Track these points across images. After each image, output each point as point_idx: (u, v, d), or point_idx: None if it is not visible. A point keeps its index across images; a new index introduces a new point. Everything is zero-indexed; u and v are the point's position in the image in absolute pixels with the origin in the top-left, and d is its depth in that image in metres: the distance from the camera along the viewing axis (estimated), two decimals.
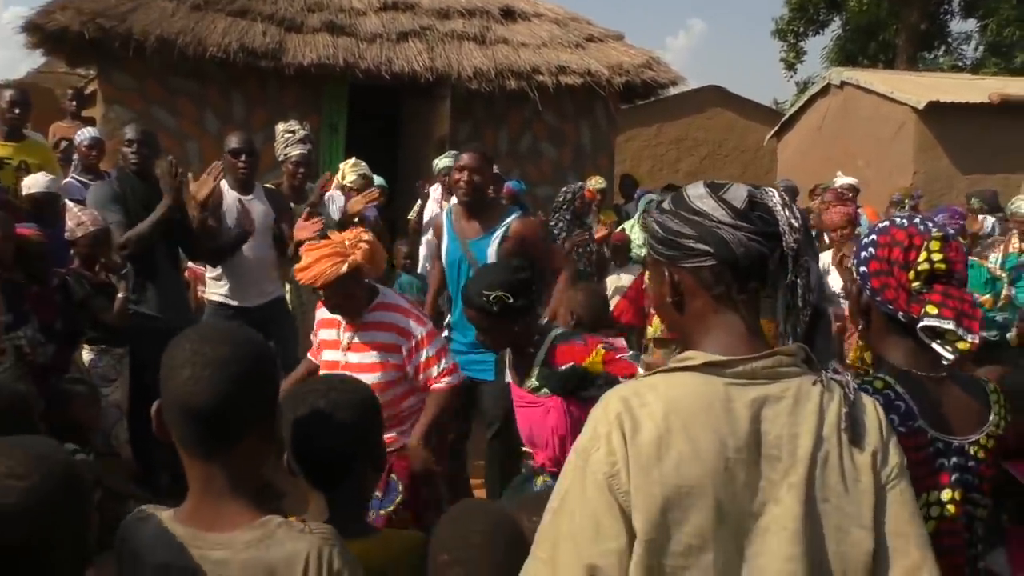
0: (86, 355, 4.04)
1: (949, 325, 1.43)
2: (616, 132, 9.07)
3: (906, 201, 7.45)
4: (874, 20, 20.50)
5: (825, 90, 13.31)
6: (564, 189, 7.25)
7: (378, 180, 6.33)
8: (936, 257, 1.46)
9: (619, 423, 1.20)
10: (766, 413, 1.21)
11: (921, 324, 1.46)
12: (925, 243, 1.48)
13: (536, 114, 8.10)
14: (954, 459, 1.50)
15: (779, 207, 1.30)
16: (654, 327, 6.80)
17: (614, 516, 1.17)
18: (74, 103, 6.86)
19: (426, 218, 6.84)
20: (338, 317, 3.01)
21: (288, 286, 5.38)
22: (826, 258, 5.76)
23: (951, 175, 10.87)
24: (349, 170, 6.22)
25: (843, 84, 12.70)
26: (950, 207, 6.21)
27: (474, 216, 4.00)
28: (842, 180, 7.80)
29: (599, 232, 7.30)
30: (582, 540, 1.18)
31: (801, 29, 22.17)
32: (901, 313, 1.51)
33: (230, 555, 1.23)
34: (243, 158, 4.53)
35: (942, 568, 1.34)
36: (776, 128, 15.15)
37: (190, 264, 5.27)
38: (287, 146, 5.33)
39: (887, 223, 1.57)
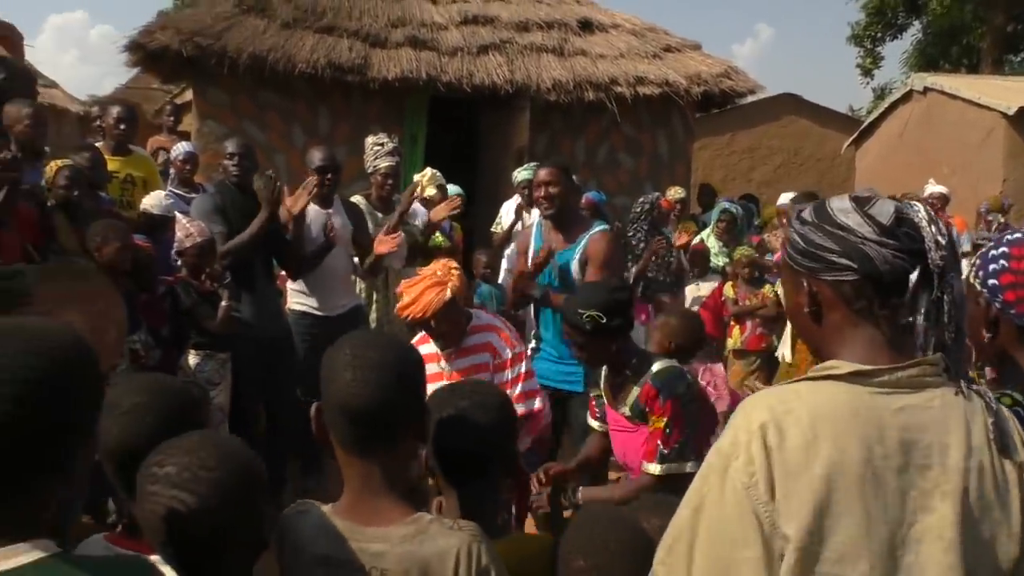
0: (192, 359, 4.23)
1: None
2: (693, 142, 9.04)
3: (996, 212, 7.25)
4: (957, 23, 19.92)
5: (907, 96, 13.02)
6: (641, 200, 7.26)
7: (454, 189, 6.43)
8: None
9: (762, 433, 1.21)
10: (913, 422, 1.22)
11: None
12: None
13: (613, 124, 8.13)
14: None
15: (925, 223, 1.29)
16: (734, 338, 6.78)
17: (751, 526, 1.18)
18: (172, 118, 7.16)
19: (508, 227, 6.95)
20: (435, 350, 3.10)
21: (375, 295, 5.53)
22: None
23: None
24: (427, 182, 6.34)
25: (926, 90, 12.41)
26: None
27: (560, 228, 4.05)
28: (932, 188, 7.63)
29: (679, 240, 7.29)
30: (720, 545, 1.20)
31: (879, 34, 21.70)
32: None
33: (387, 548, 1.31)
34: (328, 176, 4.68)
35: None
36: (855, 136, 14.86)
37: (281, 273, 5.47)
38: (376, 158, 5.48)
39: (1020, 235, 1.57)
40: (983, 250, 1.62)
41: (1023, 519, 1.23)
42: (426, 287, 2.95)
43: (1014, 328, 1.54)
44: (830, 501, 1.17)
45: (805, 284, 1.33)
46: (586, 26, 8.31)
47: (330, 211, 4.80)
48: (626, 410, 2.78)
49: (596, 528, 1.49)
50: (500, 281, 6.67)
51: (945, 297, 1.27)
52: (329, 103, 7.64)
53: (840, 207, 1.32)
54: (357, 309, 5.02)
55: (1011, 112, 10.38)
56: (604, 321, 2.68)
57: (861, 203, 1.31)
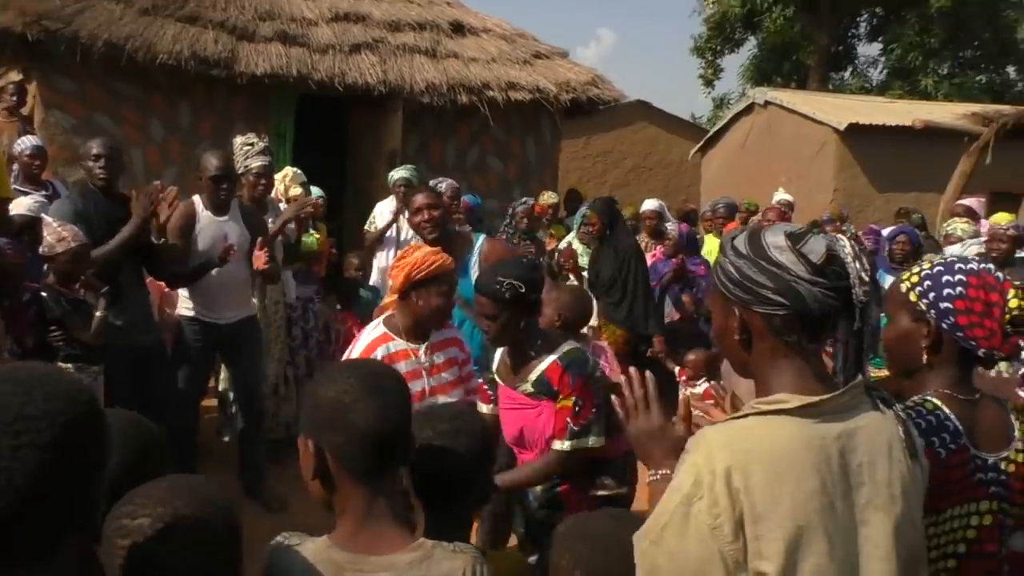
0: None
1: None
2: (560, 148, 9.26)
3: (837, 220, 7.86)
4: (788, 41, 21.40)
5: (749, 108, 13.86)
6: (514, 204, 7.40)
7: (316, 191, 6.27)
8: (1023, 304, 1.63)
9: (726, 476, 1.26)
10: (848, 445, 1.32)
11: None
12: (1012, 291, 1.64)
13: (484, 128, 8.21)
14: (990, 474, 1.65)
15: (851, 259, 1.36)
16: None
17: (716, 563, 1.25)
18: (14, 97, 6.53)
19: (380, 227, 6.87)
20: (405, 347, 3.00)
21: (257, 304, 5.34)
22: None
23: (868, 193, 11.50)
24: (289, 182, 6.14)
25: (767, 103, 13.27)
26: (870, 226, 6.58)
27: (446, 250, 4.10)
28: (781, 196, 8.19)
29: (550, 244, 7.46)
30: None
31: (719, 47, 22.98)
32: (984, 350, 1.65)
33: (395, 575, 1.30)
34: (224, 185, 4.48)
35: (981, 569, 1.56)
36: (700, 144, 15.68)
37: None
38: (247, 158, 5.28)
39: (975, 267, 1.68)
40: (927, 271, 1.71)
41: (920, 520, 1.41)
42: (429, 251, 3.00)
43: (956, 348, 1.67)
44: (799, 535, 1.25)
45: (737, 312, 1.40)
46: (458, 29, 8.34)
47: (224, 219, 4.59)
48: (528, 387, 2.81)
49: (595, 538, 1.51)
50: (372, 282, 6.60)
51: (865, 328, 1.37)
52: (191, 97, 7.28)
53: (775, 243, 1.37)
54: (249, 319, 4.84)
55: (842, 128, 11.28)
56: (523, 291, 2.71)
57: (795, 240, 1.36)
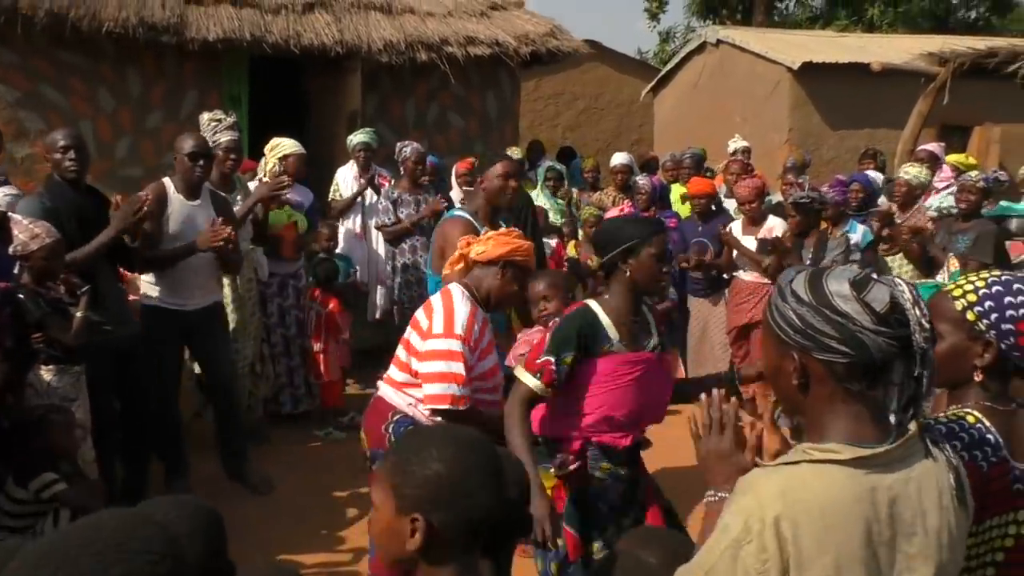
0: (45, 375, 3.84)
1: None
2: (519, 101, 9.14)
3: (800, 165, 7.93)
4: None
5: (701, 48, 13.80)
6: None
7: (292, 145, 5.97)
8: None
9: (775, 525, 1.30)
10: (899, 495, 1.36)
11: None
12: None
13: (443, 85, 8.05)
14: None
15: (910, 305, 1.37)
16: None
17: None
18: None
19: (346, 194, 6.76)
20: (487, 316, 3.20)
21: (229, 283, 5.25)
22: (737, 228, 6.13)
23: (822, 132, 11.62)
24: (271, 157, 5.99)
25: (718, 42, 13.22)
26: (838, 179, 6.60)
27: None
28: (737, 144, 8.23)
29: None
30: None
31: None
32: None
33: None
34: (201, 162, 4.36)
35: None
36: (652, 84, 15.60)
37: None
38: (215, 133, 5.17)
39: None
40: (985, 291, 1.71)
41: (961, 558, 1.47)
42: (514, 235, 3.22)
43: (1001, 364, 1.70)
44: None
45: (796, 357, 1.42)
46: None
47: (196, 202, 4.47)
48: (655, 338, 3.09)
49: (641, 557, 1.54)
50: (340, 250, 6.53)
51: (925, 372, 1.38)
52: (140, 65, 6.99)
53: (839, 292, 1.38)
54: (216, 304, 4.78)
55: (795, 66, 11.31)
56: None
57: (859, 288, 1.38)
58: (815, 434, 1.43)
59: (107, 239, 4.03)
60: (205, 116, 5.26)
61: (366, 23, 7.46)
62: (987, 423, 1.69)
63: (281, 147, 5.94)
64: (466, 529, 1.36)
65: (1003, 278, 1.73)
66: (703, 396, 1.72)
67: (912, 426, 1.40)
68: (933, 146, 7.34)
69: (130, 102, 7.06)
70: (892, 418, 1.39)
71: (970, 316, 1.71)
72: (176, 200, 4.42)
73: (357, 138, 6.86)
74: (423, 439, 1.43)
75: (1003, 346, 1.69)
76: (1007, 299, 1.69)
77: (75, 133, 4.23)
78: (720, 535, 1.36)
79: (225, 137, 5.15)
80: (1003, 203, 5.90)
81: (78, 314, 3.75)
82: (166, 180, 4.49)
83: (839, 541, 1.31)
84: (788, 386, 1.44)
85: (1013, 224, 5.53)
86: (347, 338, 6.16)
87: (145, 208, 4.05)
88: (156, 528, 1.03)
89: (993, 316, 1.69)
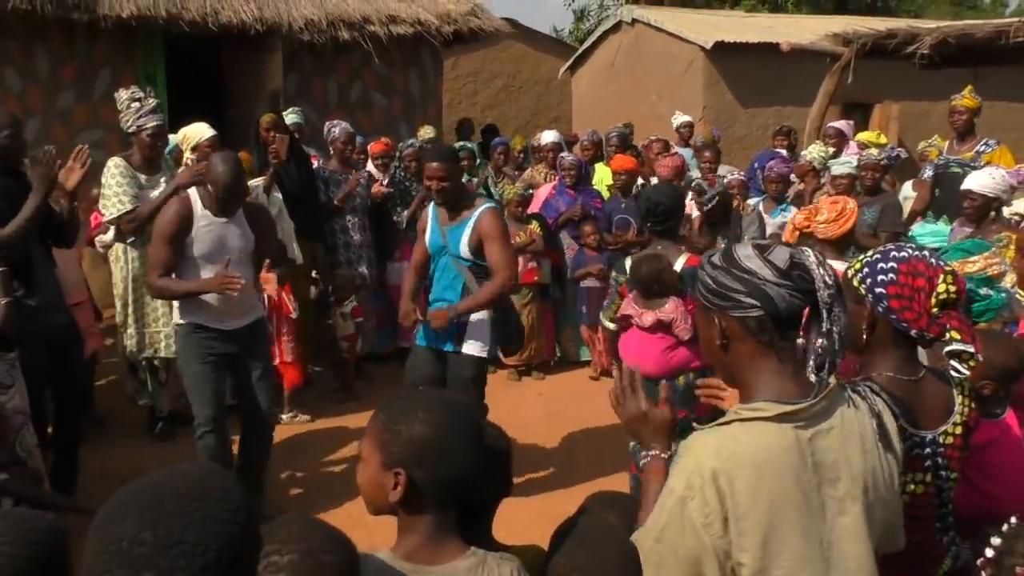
0: None
1: (970, 348, 1.82)
2: (442, 80, 9.16)
3: (709, 144, 8.19)
4: None
5: (617, 27, 14.01)
6: (400, 145, 7.23)
7: (199, 131, 5.72)
8: (952, 288, 1.83)
9: (713, 479, 1.43)
10: (822, 444, 1.51)
11: (948, 349, 1.82)
12: (942, 276, 1.83)
13: (365, 63, 8.03)
14: (927, 449, 1.87)
15: (815, 266, 1.51)
16: None
17: (709, 556, 1.46)
18: None
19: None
20: None
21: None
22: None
23: (734, 109, 11.98)
24: (186, 151, 5.63)
25: (634, 22, 13.44)
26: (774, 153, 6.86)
27: (449, 208, 4.24)
28: (680, 119, 8.52)
29: None
30: (685, 566, 1.47)
31: None
32: (916, 331, 1.83)
33: None
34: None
35: (912, 529, 1.76)
36: (570, 62, 15.77)
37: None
38: (139, 116, 4.98)
39: (907, 255, 1.86)
40: (868, 258, 1.90)
41: (897, 496, 1.63)
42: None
43: (890, 329, 1.87)
44: (776, 529, 1.44)
45: (716, 320, 1.56)
46: None
47: (224, 221, 4.08)
48: None
49: (597, 545, 1.60)
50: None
51: (835, 328, 1.53)
52: (49, 43, 6.75)
53: (744, 253, 1.54)
54: (259, 323, 4.38)
55: (708, 46, 11.61)
56: None
57: (762, 249, 1.54)
58: (744, 394, 1.58)
59: (33, 208, 3.84)
60: (124, 93, 5.04)
61: (286, 0, 7.37)
62: (884, 394, 1.77)
63: (190, 138, 5.61)
64: (443, 487, 1.46)
65: (884, 249, 1.91)
66: (614, 369, 1.84)
67: (832, 380, 1.55)
68: (842, 123, 7.71)
69: (39, 82, 6.82)
70: (812, 376, 1.53)
71: (855, 282, 1.89)
72: (204, 217, 4.06)
73: (289, 119, 6.77)
74: (414, 402, 1.53)
75: (880, 309, 1.85)
76: (879, 264, 1.86)
77: (11, 114, 4.05)
78: (667, 496, 1.50)
79: (152, 122, 4.98)
80: (915, 228, 5.72)
81: (1, 301, 3.66)
82: (192, 192, 4.13)
83: (771, 490, 1.44)
84: (715, 349, 1.57)
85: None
86: (293, 317, 5.88)
87: (59, 161, 3.91)
88: (233, 480, 1.11)
89: (867, 280, 1.86)
